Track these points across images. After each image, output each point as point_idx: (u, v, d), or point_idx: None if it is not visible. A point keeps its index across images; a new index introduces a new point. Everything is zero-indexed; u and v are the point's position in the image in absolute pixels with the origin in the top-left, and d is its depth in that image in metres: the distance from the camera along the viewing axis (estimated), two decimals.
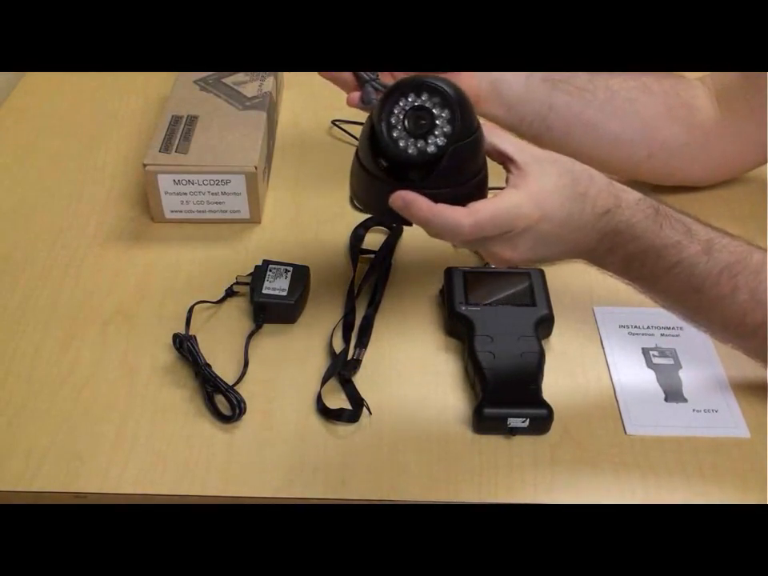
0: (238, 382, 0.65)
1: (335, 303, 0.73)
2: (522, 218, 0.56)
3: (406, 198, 0.55)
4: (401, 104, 0.56)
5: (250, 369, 0.66)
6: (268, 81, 0.90)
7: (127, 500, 0.59)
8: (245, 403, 0.63)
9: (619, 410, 0.65)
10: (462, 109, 0.56)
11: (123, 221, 0.82)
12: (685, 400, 0.65)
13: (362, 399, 0.64)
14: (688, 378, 0.67)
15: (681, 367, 0.68)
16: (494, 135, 0.59)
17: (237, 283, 0.73)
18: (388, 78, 0.72)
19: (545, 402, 0.62)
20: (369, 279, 0.75)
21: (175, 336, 0.68)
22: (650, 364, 0.68)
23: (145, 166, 0.78)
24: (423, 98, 0.56)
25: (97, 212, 0.83)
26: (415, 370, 0.68)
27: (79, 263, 0.77)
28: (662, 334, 0.70)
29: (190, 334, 0.68)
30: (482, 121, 0.59)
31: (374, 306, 0.72)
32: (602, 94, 0.77)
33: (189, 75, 0.90)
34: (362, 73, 0.68)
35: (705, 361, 0.68)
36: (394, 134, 0.56)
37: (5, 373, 0.67)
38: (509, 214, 0.56)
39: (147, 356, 0.68)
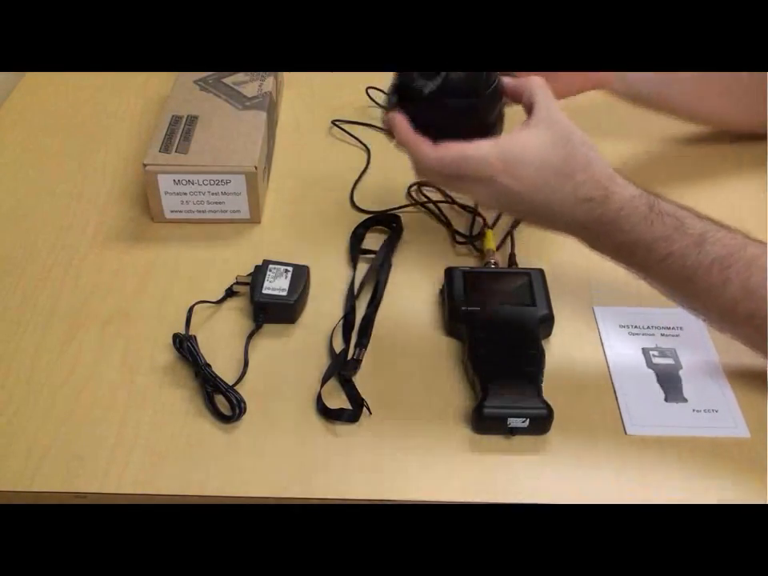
0: (237, 382, 0.65)
1: (335, 303, 0.73)
2: (484, 167, 0.59)
3: (393, 119, 0.62)
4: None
5: (250, 369, 0.66)
6: (268, 81, 0.90)
7: (127, 500, 0.59)
8: (245, 403, 0.63)
9: (619, 410, 0.65)
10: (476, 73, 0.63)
11: (123, 221, 0.82)
12: (685, 400, 0.65)
13: (362, 399, 0.64)
14: (688, 378, 0.67)
15: (681, 367, 0.68)
16: (537, 87, 0.63)
17: (237, 283, 0.73)
18: None
19: (545, 401, 0.62)
20: (369, 279, 0.75)
21: (175, 336, 0.68)
22: (649, 364, 0.68)
23: (145, 166, 0.78)
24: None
25: (97, 212, 0.83)
26: (415, 370, 0.68)
27: (79, 263, 0.77)
28: (662, 334, 0.70)
29: (189, 334, 0.68)
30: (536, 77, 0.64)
31: (373, 306, 0.72)
32: None
33: (189, 75, 0.90)
34: None
35: (705, 361, 0.68)
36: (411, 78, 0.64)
37: (5, 373, 0.67)
38: (473, 160, 0.59)
39: (147, 356, 0.68)
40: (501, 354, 0.65)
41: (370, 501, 0.59)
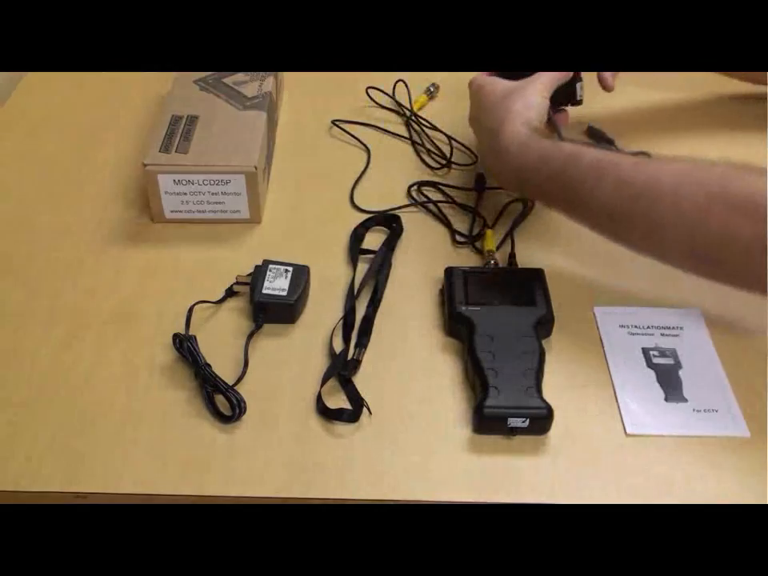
0: (237, 382, 0.65)
1: (335, 303, 0.73)
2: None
3: None
4: None
5: (250, 369, 0.66)
6: (268, 81, 0.90)
7: (127, 500, 0.59)
8: (245, 403, 0.63)
9: (619, 410, 0.65)
10: None
11: (123, 221, 0.82)
12: (685, 400, 0.65)
13: (362, 399, 0.64)
14: (688, 377, 0.67)
15: (681, 367, 0.68)
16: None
17: (237, 283, 0.73)
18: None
19: (545, 401, 0.62)
20: (369, 279, 0.75)
21: (175, 336, 0.68)
22: (650, 364, 0.68)
23: (145, 165, 0.78)
24: None
25: (97, 212, 0.83)
26: (415, 370, 0.68)
27: (79, 263, 0.77)
28: (662, 334, 0.70)
29: (190, 333, 0.68)
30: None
31: (373, 306, 0.72)
32: None
33: (189, 75, 0.90)
34: None
35: (705, 361, 0.68)
36: None
37: (5, 373, 0.67)
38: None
39: (147, 356, 0.68)
40: (500, 354, 0.65)
41: (369, 501, 0.59)
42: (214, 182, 0.78)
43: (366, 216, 0.81)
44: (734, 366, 0.67)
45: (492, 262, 0.76)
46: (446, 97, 1.00)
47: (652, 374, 0.67)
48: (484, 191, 0.85)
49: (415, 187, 0.86)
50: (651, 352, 0.69)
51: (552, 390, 0.64)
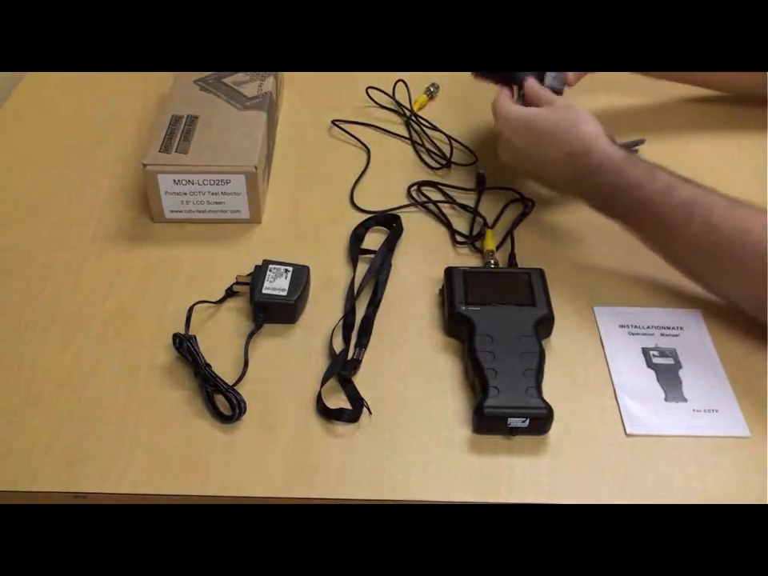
0: (237, 382, 0.65)
1: (335, 303, 0.73)
2: (502, 125, 0.79)
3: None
4: None
5: (250, 369, 0.66)
6: (268, 81, 0.90)
7: (127, 500, 0.59)
8: (245, 403, 0.63)
9: (619, 410, 0.65)
10: None
11: (123, 221, 0.82)
12: (685, 400, 0.65)
13: (362, 399, 0.64)
14: (688, 377, 0.67)
15: (681, 367, 0.68)
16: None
17: (237, 283, 0.73)
18: None
19: (545, 401, 0.62)
20: (369, 279, 0.75)
21: (175, 336, 0.68)
22: (650, 364, 0.68)
23: (145, 166, 0.78)
24: None
25: (97, 212, 0.83)
26: (415, 370, 0.68)
27: (79, 263, 0.77)
28: (662, 334, 0.70)
29: (190, 333, 0.68)
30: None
31: (374, 306, 0.72)
32: None
33: (189, 75, 0.90)
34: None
35: (705, 361, 0.68)
36: None
37: (5, 373, 0.67)
38: (500, 118, 0.80)
39: (147, 356, 0.68)
40: (500, 354, 0.65)
41: (369, 501, 0.59)
42: (213, 182, 0.78)
43: (366, 216, 0.81)
44: (734, 366, 0.67)
45: (492, 262, 0.76)
46: (446, 97, 1.00)
47: (652, 373, 0.67)
48: (484, 191, 0.85)
49: (415, 187, 0.86)
50: (651, 352, 0.69)
51: (552, 390, 0.64)
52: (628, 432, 0.63)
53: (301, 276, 0.72)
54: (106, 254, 0.78)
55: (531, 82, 0.80)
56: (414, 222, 0.82)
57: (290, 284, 0.71)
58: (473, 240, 0.79)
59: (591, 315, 0.72)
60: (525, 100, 0.80)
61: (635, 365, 0.68)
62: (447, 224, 0.82)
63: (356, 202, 0.84)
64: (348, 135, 0.93)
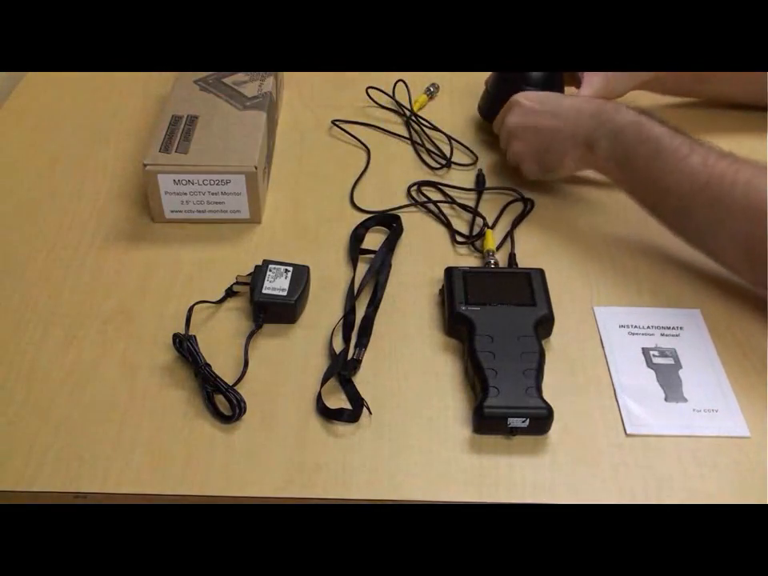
0: (237, 382, 0.65)
1: (335, 303, 0.73)
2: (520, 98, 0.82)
3: None
4: None
5: (250, 369, 0.66)
6: (268, 81, 0.90)
7: (127, 500, 0.59)
8: (245, 403, 0.63)
9: (619, 410, 0.65)
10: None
11: (123, 221, 0.82)
12: (685, 400, 0.65)
13: (362, 399, 0.64)
14: (688, 378, 0.67)
15: (681, 367, 0.68)
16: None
17: (237, 283, 0.73)
18: None
19: (545, 401, 0.62)
20: (369, 279, 0.75)
21: (175, 336, 0.68)
22: (650, 364, 0.68)
23: (145, 165, 0.78)
24: None
25: (97, 212, 0.83)
26: (415, 370, 0.68)
27: (79, 263, 0.77)
28: (662, 334, 0.70)
29: (189, 333, 0.68)
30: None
31: (374, 306, 0.72)
32: None
33: (189, 75, 0.90)
34: None
35: (705, 361, 0.68)
36: None
37: (5, 373, 0.67)
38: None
39: (147, 356, 0.68)
40: (500, 354, 0.65)
41: (369, 501, 0.59)
42: (213, 182, 0.78)
43: (366, 216, 0.82)
44: (734, 366, 0.67)
45: (492, 262, 0.76)
46: (446, 97, 1.00)
47: (652, 373, 0.67)
48: (484, 191, 0.85)
49: (415, 187, 0.86)
50: (651, 352, 0.69)
51: (552, 390, 0.64)
52: (628, 432, 0.63)
53: (301, 276, 0.72)
54: (106, 254, 0.78)
55: None
56: (414, 221, 0.82)
57: (290, 284, 0.71)
58: (473, 240, 0.79)
59: (591, 315, 0.72)
60: None
61: (635, 365, 0.68)
62: (447, 224, 0.82)
63: (356, 202, 0.84)
64: (348, 135, 0.93)
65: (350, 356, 0.68)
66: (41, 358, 0.68)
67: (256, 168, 0.77)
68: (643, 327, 0.71)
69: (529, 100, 0.81)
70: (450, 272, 0.72)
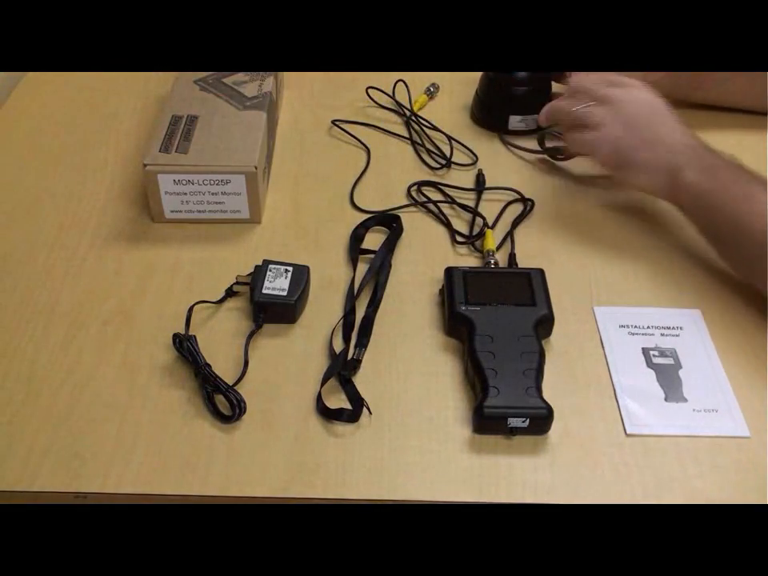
0: (237, 382, 0.65)
1: (335, 303, 0.73)
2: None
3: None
4: None
5: (250, 369, 0.66)
6: (268, 81, 0.90)
7: (127, 500, 0.59)
8: (245, 403, 0.63)
9: (619, 410, 0.65)
10: None
11: (123, 221, 0.82)
12: (685, 400, 0.65)
13: (362, 399, 0.64)
14: (688, 378, 0.67)
15: (681, 367, 0.68)
16: None
17: (237, 283, 0.73)
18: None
19: (545, 401, 0.62)
20: (369, 279, 0.75)
21: (175, 336, 0.68)
22: (650, 364, 0.68)
23: (145, 165, 0.78)
24: None
25: (97, 212, 0.83)
26: (415, 370, 0.68)
27: (79, 263, 0.77)
28: (662, 334, 0.70)
29: (190, 333, 0.68)
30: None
31: (373, 306, 0.72)
32: None
33: (189, 75, 0.90)
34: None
35: (705, 361, 0.68)
36: None
37: (5, 373, 0.67)
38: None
39: (147, 356, 0.68)
40: (500, 354, 0.65)
41: (369, 501, 0.59)
42: (213, 182, 0.78)
43: (366, 216, 0.81)
44: (734, 366, 0.68)
45: (492, 262, 0.76)
46: (446, 97, 1.00)
47: (652, 373, 0.67)
48: (484, 191, 0.85)
49: (415, 187, 0.86)
50: (651, 352, 0.69)
51: (552, 390, 0.64)
52: (628, 432, 0.63)
53: (301, 276, 0.72)
54: (106, 254, 0.78)
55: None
56: (414, 222, 0.82)
57: (290, 284, 0.71)
58: (473, 240, 0.79)
59: (591, 315, 0.72)
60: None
61: (635, 365, 0.68)
62: (447, 224, 0.82)
63: (356, 202, 0.84)
64: (348, 135, 0.93)
65: (350, 356, 0.68)
66: (41, 358, 0.68)
67: (256, 168, 0.77)
68: (643, 327, 0.71)
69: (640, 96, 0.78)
70: (449, 272, 0.72)
